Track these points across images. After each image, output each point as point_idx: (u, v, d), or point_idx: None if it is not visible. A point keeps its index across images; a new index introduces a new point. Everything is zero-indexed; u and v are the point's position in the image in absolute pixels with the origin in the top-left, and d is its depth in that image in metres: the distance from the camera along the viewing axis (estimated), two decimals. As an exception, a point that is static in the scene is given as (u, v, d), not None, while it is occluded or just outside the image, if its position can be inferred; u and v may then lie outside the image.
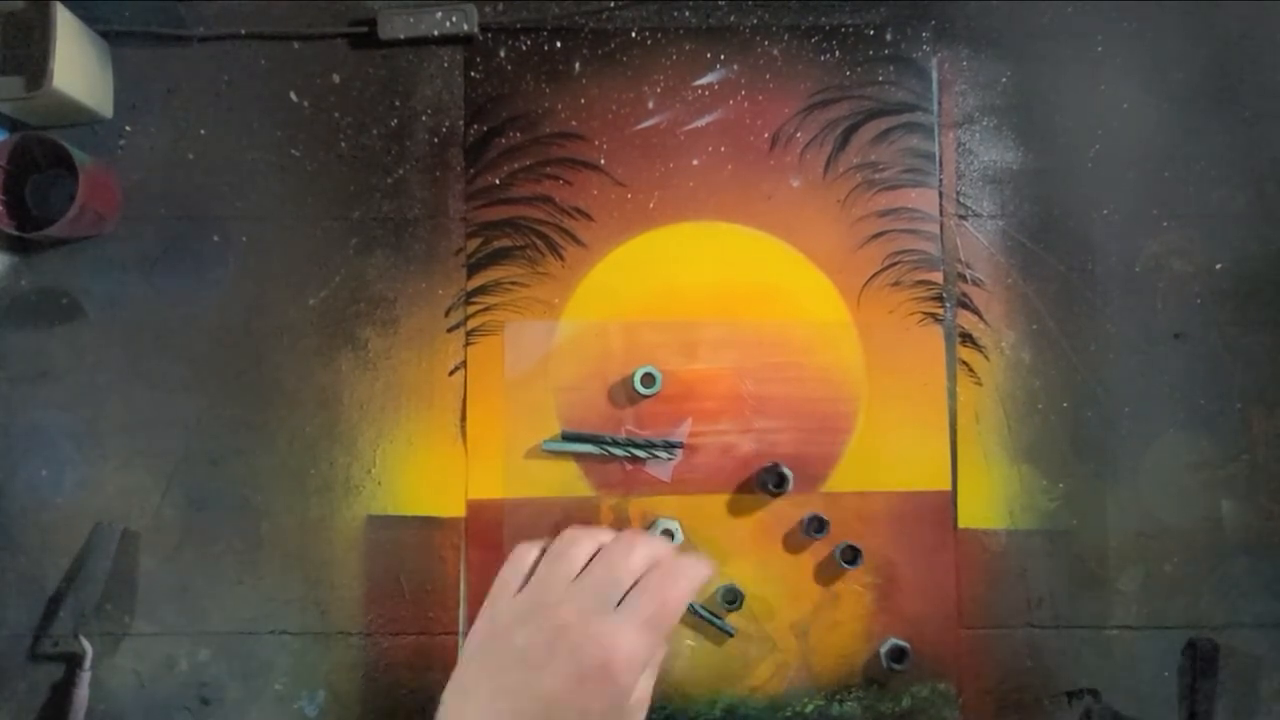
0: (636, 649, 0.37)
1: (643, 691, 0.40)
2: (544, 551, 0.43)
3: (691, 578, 0.40)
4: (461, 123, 0.73)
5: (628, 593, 0.39)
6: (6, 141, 0.67)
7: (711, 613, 0.69)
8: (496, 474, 0.71)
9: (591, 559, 0.41)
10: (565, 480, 0.71)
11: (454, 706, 0.41)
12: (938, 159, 0.73)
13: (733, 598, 0.69)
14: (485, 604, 0.43)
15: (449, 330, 0.72)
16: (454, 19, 0.72)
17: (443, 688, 0.72)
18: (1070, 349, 0.72)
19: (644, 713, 0.41)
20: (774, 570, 0.70)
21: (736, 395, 0.71)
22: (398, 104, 0.73)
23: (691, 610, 0.69)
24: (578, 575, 0.41)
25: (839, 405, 0.72)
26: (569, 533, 0.43)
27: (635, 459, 0.70)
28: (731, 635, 0.69)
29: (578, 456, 0.71)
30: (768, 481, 0.69)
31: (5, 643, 0.69)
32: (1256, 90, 0.73)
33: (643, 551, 0.41)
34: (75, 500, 0.71)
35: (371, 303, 0.72)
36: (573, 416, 0.71)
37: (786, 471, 0.69)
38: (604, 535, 0.43)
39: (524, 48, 0.73)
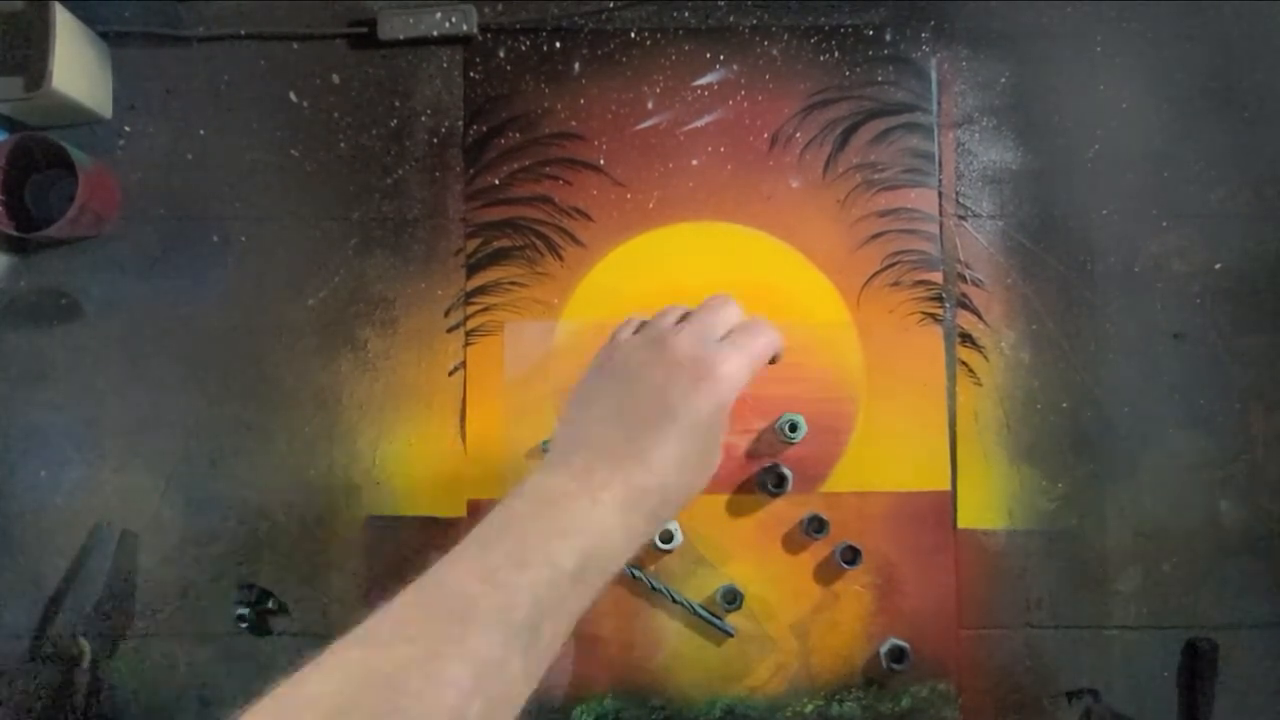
0: (736, 368, 0.47)
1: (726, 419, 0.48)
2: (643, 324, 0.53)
3: (771, 336, 0.50)
4: (461, 123, 0.73)
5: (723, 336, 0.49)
6: (6, 142, 0.67)
7: (711, 613, 0.69)
8: (497, 475, 0.71)
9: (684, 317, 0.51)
10: (565, 480, 0.71)
11: (577, 414, 0.48)
12: (937, 159, 0.73)
13: (732, 598, 0.69)
14: (604, 345, 0.52)
15: (448, 330, 0.72)
16: (453, 19, 0.72)
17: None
18: (1070, 349, 0.72)
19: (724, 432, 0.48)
20: (773, 570, 0.70)
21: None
22: (397, 104, 0.73)
23: (691, 610, 0.69)
24: (682, 319, 0.51)
25: (838, 405, 0.72)
26: (668, 306, 0.53)
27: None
28: (731, 635, 0.69)
29: (577, 457, 0.71)
30: (767, 481, 0.69)
31: (5, 643, 0.69)
32: (1256, 90, 0.73)
33: (734, 309, 0.52)
34: (74, 501, 0.70)
35: (371, 303, 0.72)
36: (572, 417, 0.71)
37: (786, 471, 0.69)
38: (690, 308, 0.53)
39: (523, 48, 0.73)
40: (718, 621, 0.69)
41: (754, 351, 0.49)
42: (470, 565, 0.40)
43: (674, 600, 0.69)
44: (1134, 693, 0.70)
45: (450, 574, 0.41)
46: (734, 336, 0.49)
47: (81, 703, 0.67)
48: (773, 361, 0.56)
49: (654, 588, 0.69)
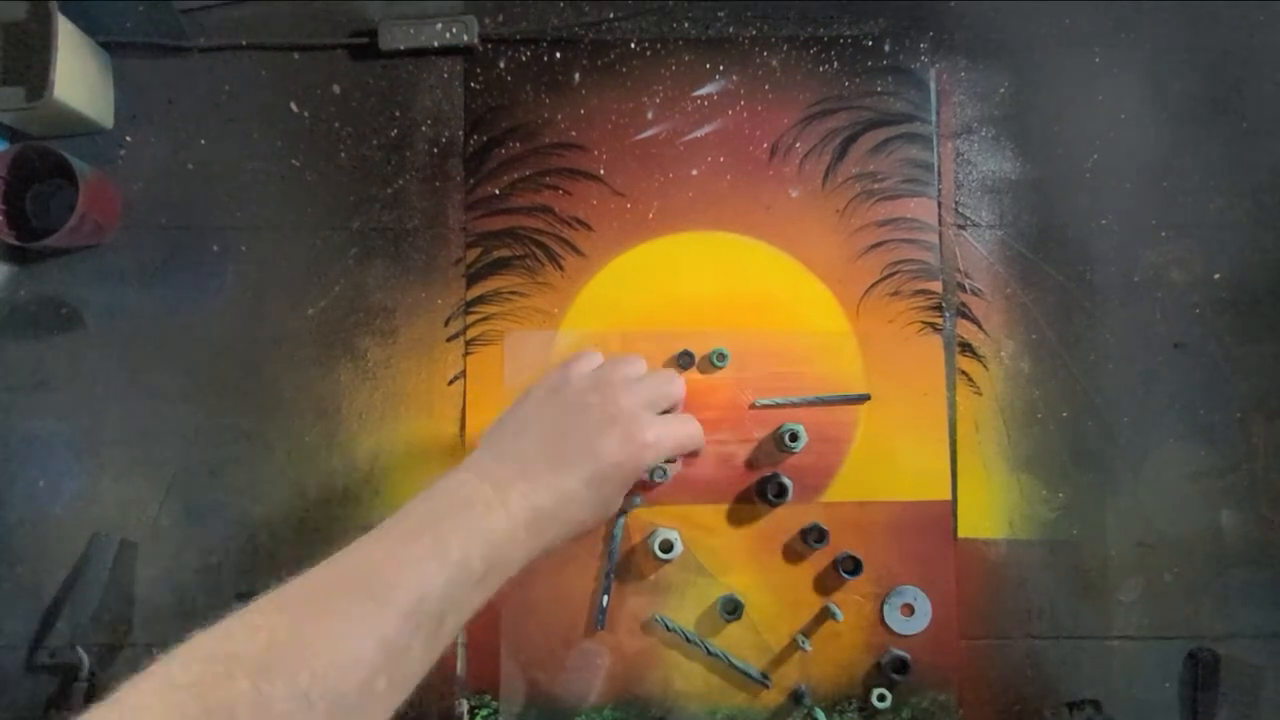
0: (661, 441, 0.54)
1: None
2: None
3: (696, 432, 0.61)
4: (461, 133, 0.74)
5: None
6: (7, 152, 0.67)
7: (745, 663, 0.68)
8: (496, 484, 0.70)
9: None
10: (564, 490, 0.70)
11: (514, 425, 0.54)
12: (936, 169, 0.74)
13: (732, 608, 0.69)
14: (559, 368, 0.58)
15: (448, 340, 0.72)
16: (454, 30, 0.72)
17: (441, 701, 0.72)
18: (1069, 359, 0.72)
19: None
20: (773, 580, 0.70)
21: (736, 405, 0.71)
22: (398, 114, 0.74)
23: (727, 662, 0.68)
24: (635, 380, 0.57)
25: (838, 415, 0.71)
26: (630, 355, 0.61)
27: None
28: (768, 688, 0.68)
29: (577, 466, 0.71)
30: (767, 491, 0.69)
31: (2, 654, 0.69)
32: (1255, 101, 0.74)
33: (680, 389, 0.60)
34: (73, 510, 0.70)
35: (370, 312, 0.72)
36: (572, 426, 0.71)
37: (786, 481, 0.69)
38: (647, 364, 0.61)
39: (524, 58, 0.74)
40: (754, 674, 0.68)
41: (679, 436, 0.57)
42: (391, 551, 0.44)
43: (709, 652, 0.68)
44: (1135, 704, 0.70)
45: (371, 555, 0.44)
46: (670, 417, 0.57)
47: (79, 713, 0.67)
48: (692, 455, 0.64)
49: (689, 640, 0.68)
